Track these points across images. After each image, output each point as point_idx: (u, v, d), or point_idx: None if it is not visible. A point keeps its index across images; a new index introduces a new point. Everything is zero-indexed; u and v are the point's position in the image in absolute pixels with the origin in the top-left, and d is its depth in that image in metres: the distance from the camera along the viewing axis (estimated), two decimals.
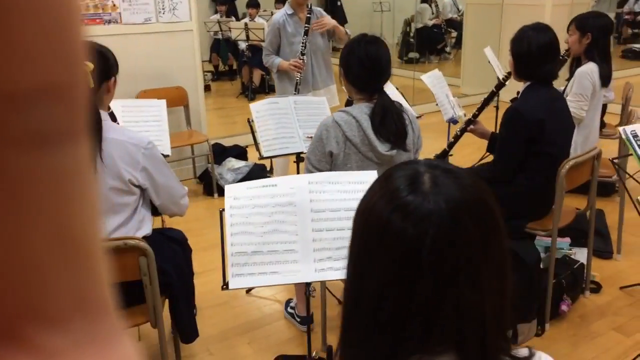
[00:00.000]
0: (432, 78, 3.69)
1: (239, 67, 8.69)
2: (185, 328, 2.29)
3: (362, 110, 2.21)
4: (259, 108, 2.88)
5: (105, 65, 2.00)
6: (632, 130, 2.52)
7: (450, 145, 3.26)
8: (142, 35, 4.24)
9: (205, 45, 9.08)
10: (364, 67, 2.21)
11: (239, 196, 1.64)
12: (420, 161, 0.80)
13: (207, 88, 8.42)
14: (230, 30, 7.95)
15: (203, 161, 4.65)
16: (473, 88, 7.05)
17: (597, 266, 3.05)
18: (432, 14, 10.47)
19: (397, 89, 3.13)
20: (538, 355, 0.85)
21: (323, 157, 2.21)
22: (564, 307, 2.70)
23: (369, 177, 1.76)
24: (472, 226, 0.72)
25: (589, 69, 3.41)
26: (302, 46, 3.67)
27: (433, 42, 10.51)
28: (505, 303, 0.76)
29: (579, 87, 3.40)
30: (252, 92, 7.76)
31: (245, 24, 7.47)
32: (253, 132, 2.88)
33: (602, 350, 2.51)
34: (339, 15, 11.58)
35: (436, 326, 0.72)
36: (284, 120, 2.90)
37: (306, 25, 3.71)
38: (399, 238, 0.72)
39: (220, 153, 4.55)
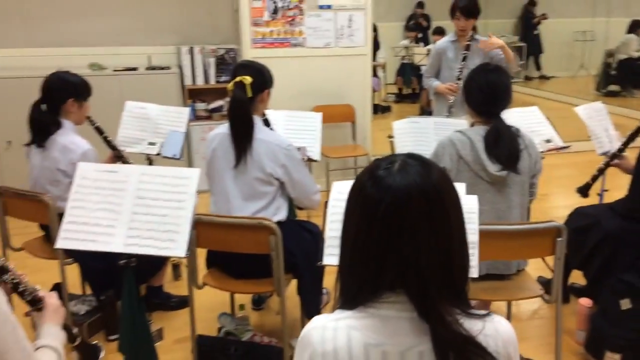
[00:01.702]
0: (590, 110, 3.63)
1: (420, 91, 9.01)
2: (309, 305, 2.68)
3: (477, 132, 2.42)
4: (400, 126, 3.20)
5: (261, 79, 2.51)
6: None
7: (594, 179, 3.22)
8: (321, 58, 4.83)
9: (392, 69, 9.61)
10: (482, 93, 2.41)
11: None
12: (406, 153, 1.07)
13: (388, 109, 8.94)
14: (413, 55, 8.33)
15: None
16: None
17: None
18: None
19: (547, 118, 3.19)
20: (497, 319, 1.06)
21: None
22: None
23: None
24: (420, 202, 0.98)
25: None
26: (458, 71, 3.89)
27: (637, 75, 9.69)
28: (451, 265, 1.01)
29: None
30: (428, 115, 8.01)
31: (428, 50, 7.78)
32: (392, 149, 3.20)
33: None
34: (534, 44, 11.28)
35: (385, 270, 1.00)
36: (422, 138, 3.17)
37: (465, 52, 3.92)
38: (366, 199, 1.01)
39: None
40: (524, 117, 3.33)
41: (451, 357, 0.97)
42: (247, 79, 2.43)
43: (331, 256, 1.98)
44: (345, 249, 1.07)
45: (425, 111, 8.18)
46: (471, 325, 1.01)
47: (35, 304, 1.46)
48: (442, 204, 1.01)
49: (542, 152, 3.18)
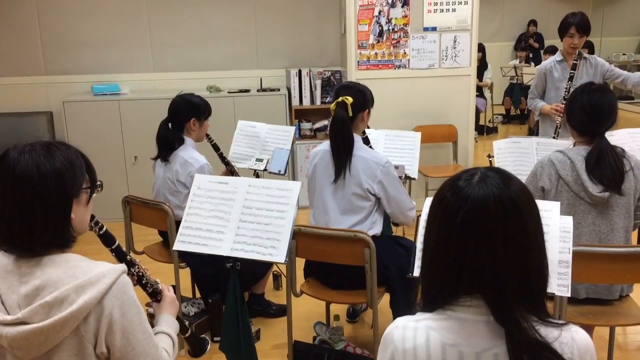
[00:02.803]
0: None
1: (529, 112, 8.73)
2: None
3: (579, 152, 2.38)
4: (501, 146, 3.18)
5: (362, 99, 2.64)
6: None
7: None
8: (425, 79, 4.89)
9: (500, 90, 9.40)
10: (585, 113, 2.37)
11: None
12: (487, 167, 1.14)
13: (494, 130, 8.75)
14: (522, 75, 8.11)
15: None
16: None
17: None
18: None
19: None
20: (574, 328, 1.08)
21: (536, 192, 2.44)
22: None
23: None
24: (497, 213, 1.04)
25: None
26: (565, 91, 3.79)
27: None
28: (527, 273, 1.05)
29: None
30: (535, 135, 7.75)
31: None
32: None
33: None
34: None
35: (463, 275, 1.06)
36: (523, 158, 3.13)
37: (572, 71, 3.82)
38: (446, 207, 1.09)
39: None
40: (635, 139, 3.19)
41: None
42: (349, 99, 2.57)
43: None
44: (426, 254, 1.15)
45: (534, 132, 7.90)
46: (547, 332, 1.05)
47: (155, 295, 1.67)
48: (519, 215, 1.06)
49: None
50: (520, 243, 1.06)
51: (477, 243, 1.05)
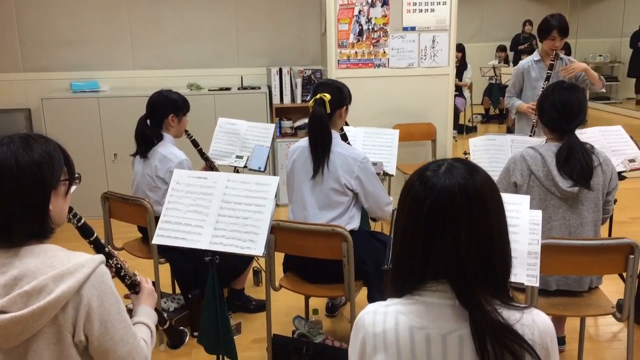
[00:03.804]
0: None
1: (507, 111, 8.86)
2: None
3: (549, 148, 2.45)
4: (477, 143, 3.25)
5: (340, 97, 2.68)
6: None
7: None
8: (404, 78, 4.95)
9: (480, 89, 9.53)
10: (555, 110, 2.44)
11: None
12: (454, 158, 1.19)
13: (473, 129, 8.86)
14: (501, 75, 8.24)
15: None
16: None
17: None
18: None
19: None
20: (535, 311, 1.14)
21: (509, 187, 2.51)
22: None
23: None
24: (461, 201, 1.08)
25: None
26: (542, 91, 3.87)
27: None
28: (491, 260, 1.10)
29: None
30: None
31: None
32: None
33: None
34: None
35: (430, 261, 1.11)
36: (498, 155, 3.20)
37: (548, 71, 3.90)
38: (414, 196, 1.13)
39: None
40: (607, 136, 3.28)
41: (488, 342, 1.07)
42: (327, 96, 2.61)
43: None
44: (396, 242, 1.20)
45: (511, 131, 8.03)
46: (509, 315, 1.10)
47: (134, 287, 1.69)
48: (483, 204, 1.11)
49: (625, 171, 3.12)
50: (484, 231, 1.11)
51: (442, 230, 1.10)
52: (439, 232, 1.10)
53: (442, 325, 1.11)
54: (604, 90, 4.21)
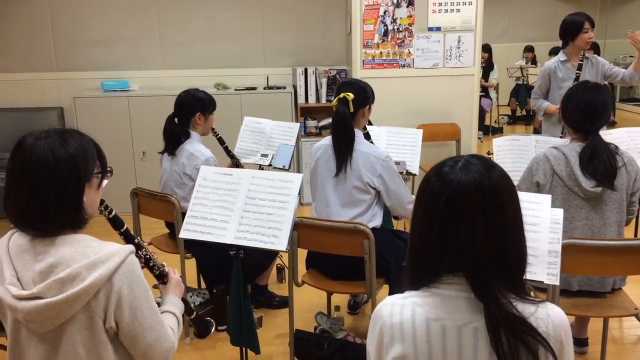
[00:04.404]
0: None
1: (534, 112, 8.77)
2: None
3: (573, 148, 2.44)
4: (500, 143, 3.25)
5: (363, 96, 2.72)
6: None
7: None
8: (429, 78, 4.96)
9: (507, 90, 9.45)
10: (579, 110, 2.44)
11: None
12: (471, 154, 1.22)
13: (499, 130, 8.80)
14: (528, 76, 8.16)
15: None
16: None
17: None
18: None
19: None
20: (550, 305, 1.16)
21: (531, 187, 2.51)
22: None
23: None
24: (477, 196, 1.11)
25: None
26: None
27: None
28: (506, 254, 1.13)
29: None
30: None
31: None
32: None
33: None
34: None
35: (446, 254, 1.14)
36: (521, 156, 3.20)
37: (577, 71, 3.87)
38: (431, 192, 1.17)
39: None
40: (633, 137, 3.25)
41: (503, 334, 1.10)
42: (350, 95, 2.65)
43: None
44: (413, 236, 1.23)
45: (539, 133, 7.94)
46: (524, 308, 1.13)
47: (162, 277, 1.75)
48: (498, 199, 1.14)
49: None
50: (499, 225, 1.13)
51: (458, 225, 1.13)
52: (455, 227, 1.13)
53: (457, 317, 1.14)
54: None
